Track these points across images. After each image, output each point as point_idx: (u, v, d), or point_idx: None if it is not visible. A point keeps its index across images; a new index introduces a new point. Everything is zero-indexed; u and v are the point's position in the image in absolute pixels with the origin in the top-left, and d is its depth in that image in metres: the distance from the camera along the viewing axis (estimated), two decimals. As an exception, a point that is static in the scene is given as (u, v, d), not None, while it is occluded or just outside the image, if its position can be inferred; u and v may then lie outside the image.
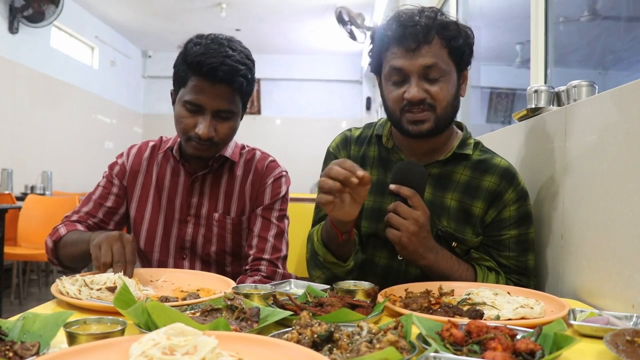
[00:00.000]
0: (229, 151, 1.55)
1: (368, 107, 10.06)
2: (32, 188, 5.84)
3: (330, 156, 1.51)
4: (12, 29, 6.25)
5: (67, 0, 6.78)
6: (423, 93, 1.26)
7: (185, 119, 1.40)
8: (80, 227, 1.52)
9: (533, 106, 1.61)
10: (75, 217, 1.55)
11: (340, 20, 7.02)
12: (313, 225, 1.50)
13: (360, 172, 1.05)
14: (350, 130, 1.54)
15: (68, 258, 1.48)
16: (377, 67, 1.37)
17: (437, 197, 1.37)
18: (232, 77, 1.36)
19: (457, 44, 1.28)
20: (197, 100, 1.37)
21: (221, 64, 1.34)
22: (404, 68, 1.27)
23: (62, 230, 1.49)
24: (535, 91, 1.62)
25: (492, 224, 1.36)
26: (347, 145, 1.50)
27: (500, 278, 1.34)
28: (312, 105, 10.45)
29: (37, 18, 6.36)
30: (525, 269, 1.36)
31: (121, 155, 1.62)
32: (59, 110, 7.33)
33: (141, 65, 10.39)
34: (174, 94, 1.47)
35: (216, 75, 1.34)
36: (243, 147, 1.63)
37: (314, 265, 1.37)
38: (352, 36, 7.23)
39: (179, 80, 1.43)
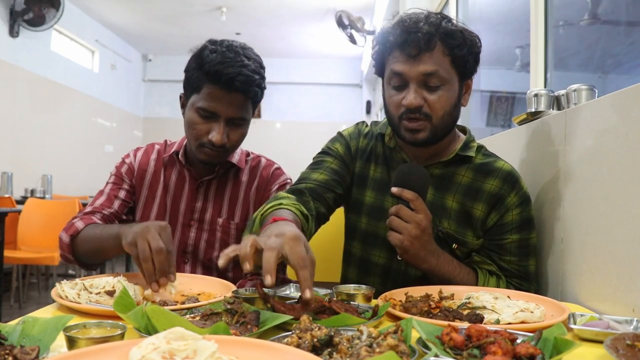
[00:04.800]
0: (235, 157, 1.56)
1: (368, 111, 10.07)
2: (32, 191, 5.84)
3: (341, 138, 1.49)
4: (13, 32, 6.26)
5: (67, 4, 6.80)
6: (420, 100, 1.26)
7: (198, 125, 1.40)
8: (95, 218, 1.47)
9: (533, 110, 1.61)
10: (89, 209, 1.50)
11: (340, 24, 7.03)
12: (295, 183, 1.41)
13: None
14: (362, 123, 1.54)
15: (87, 254, 1.41)
16: (380, 70, 1.37)
17: (438, 198, 1.37)
18: (248, 86, 1.38)
19: (461, 52, 1.26)
20: (211, 108, 1.38)
21: (238, 74, 1.35)
22: (404, 73, 1.26)
23: (80, 224, 1.43)
24: (535, 95, 1.62)
25: (494, 227, 1.36)
26: (358, 137, 1.49)
27: (501, 282, 1.34)
28: (312, 109, 10.46)
29: (37, 22, 6.37)
30: (526, 273, 1.36)
31: (128, 155, 1.62)
32: (59, 113, 7.34)
33: (141, 69, 10.41)
34: (185, 98, 1.47)
35: (233, 85, 1.35)
36: (248, 153, 1.64)
37: (249, 226, 1.28)
38: (352, 40, 7.25)
39: (191, 86, 1.42)
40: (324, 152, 1.48)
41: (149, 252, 1.10)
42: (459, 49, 1.26)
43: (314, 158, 1.50)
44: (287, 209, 1.17)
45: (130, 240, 1.13)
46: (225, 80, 1.35)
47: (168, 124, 9.99)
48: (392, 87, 1.31)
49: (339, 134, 1.51)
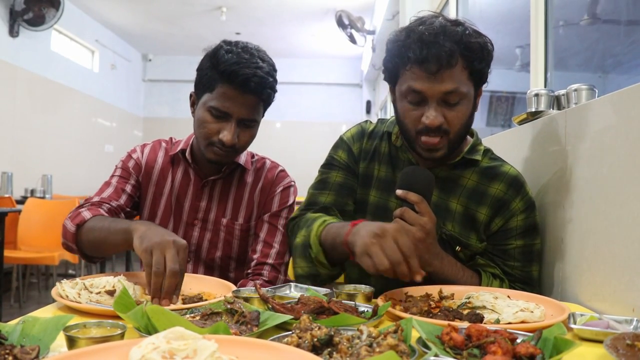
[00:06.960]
0: (242, 158, 1.56)
1: (368, 111, 10.07)
2: (32, 191, 5.84)
3: (343, 144, 1.49)
4: (13, 32, 6.26)
5: (67, 4, 6.80)
6: (441, 118, 1.24)
7: (209, 124, 1.40)
8: (102, 210, 1.43)
9: (533, 110, 1.61)
10: (96, 199, 1.47)
11: (341, 23, 7.03)
12: (307, 206, 1.46)
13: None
14: (366, 122, 1.53)
15: (91, 246, 1.37)
16: (392, 79, 1.33)
17: (442, 200, 1.37)
18: (262, 88, 1.39)
19: (480, 66, 1.25)
20: (224, 108, 1.38)
21: (253, 75, 1.36)
22: (424, 92, 1.23)
23: (87, 214, 1.38)
24: (536, 95, 1.62)
25: (499, 232, 1.35)
26: (361, 138, 1.48)
27: (504, 285, 1.33)
28: (312, 108, 10.45)
29: (37, 22, 6.37)
30: (530, 278, 1.36)
31: (134, 150, 1.60)
32: (59, 113, 7.34)
33: (141, 69, 10.39)
34: (195, 96, 1.46)
35: (248, 86, 1.36)
36: (253, 155, 1.64)
37: (302, 255, 1.33)
38: (352, 40, 7.25)
39: (204, 85, 1.42)
40: (327, 165, 1.49)
41: (163, 269, 1.07)
42: (478, 62, 1.24)
43: (319, 171, 1.50)
44: (334, 222, 1.28)
45: (146, 247, 1.11)
46: (241, 81, 1.35)
47: (168, 123, 9.97)
48: (408, 101, 1.27)
49: (341, 138, 1.51)
